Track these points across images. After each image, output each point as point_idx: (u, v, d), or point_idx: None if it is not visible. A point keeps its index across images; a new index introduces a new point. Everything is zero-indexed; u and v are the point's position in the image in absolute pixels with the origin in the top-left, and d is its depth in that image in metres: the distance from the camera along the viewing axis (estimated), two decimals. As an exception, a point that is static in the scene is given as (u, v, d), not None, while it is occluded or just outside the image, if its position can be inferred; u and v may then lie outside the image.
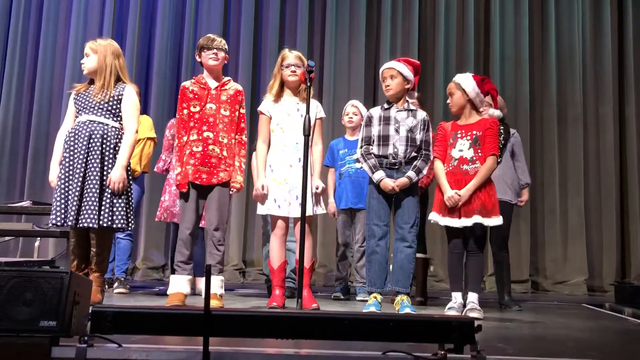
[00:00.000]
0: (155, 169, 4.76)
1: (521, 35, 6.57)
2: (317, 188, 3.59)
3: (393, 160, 3.48)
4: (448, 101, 3.63)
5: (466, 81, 3.55)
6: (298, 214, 3.37)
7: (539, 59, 6.62)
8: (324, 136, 4.02)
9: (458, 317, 2.56)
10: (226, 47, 3.67)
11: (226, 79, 3.68)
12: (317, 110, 3.68)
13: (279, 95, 3.66)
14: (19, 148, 6.83)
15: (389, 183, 3.44)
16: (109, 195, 3.33)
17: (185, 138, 3.55)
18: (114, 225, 3.34)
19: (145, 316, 1.93)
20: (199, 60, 3.66)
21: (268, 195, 3.56)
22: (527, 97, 6.48)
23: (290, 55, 3.64)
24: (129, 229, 3.49)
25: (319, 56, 6.59)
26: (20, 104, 6.88)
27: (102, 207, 3.30)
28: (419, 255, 4.44)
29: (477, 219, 3.41)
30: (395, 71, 3.54)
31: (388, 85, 3.54)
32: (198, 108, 3.56)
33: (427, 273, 4.55)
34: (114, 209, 3.33)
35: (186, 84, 3.65)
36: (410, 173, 3.46)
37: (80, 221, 3.26)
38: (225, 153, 3.54)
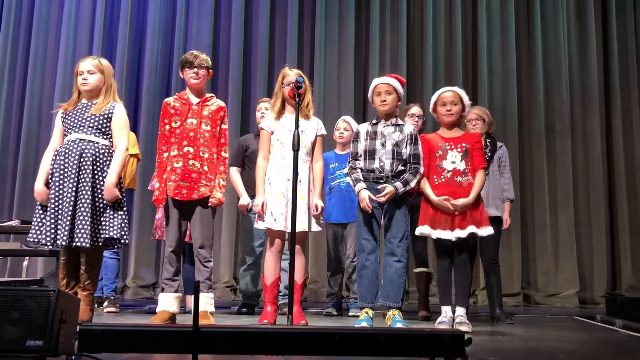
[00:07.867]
0: (149, 187, 4.71)
1: (508, 50, 6.62)
2: (315, 208, 3.60)
3: (379, 174, 3.49)
4: (448, 108, 3.54)
5: (465, 96, 3.61)
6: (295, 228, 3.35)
7: (527, 73, 6.68)
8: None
9: (449, 330, 2.55)
10: (209, 63, 3.69)
11: (209, 95, 3.70)
12: (318, 127, 3.71)
13: (280, 113, 3.69)
14: (7, 166, 6.77)
15: (364, 196, 3.41)
16: (102, 213, 3.30)
17: (165, 154, 3.55)
18: (119, 241, 3.32)
19: (134, 334, 1.92)
20: (182, 77, 3.69)
21: (266, 210, 3.56)
22: (515, 110, 6.53)
23: (291, 74, 3.68)
24: (123, 243, 3.43)
25: (309, 72, 6.60)
26: (10, 123, 6.84)
27: (96, 226, 3.28)
28: (421, 269, 4.44)
29: (471, 229, 3.39)
30: (392, 87, 3.57)
31: (384, 101, 3.55)
32: (179, 123, 3.58)
33: (430, 288, 4.47)
34: (109, 227, 3.30)
35: (168, 100, 3.69)
36: (397, 184, 3.44)
37: (74, 242, 3.21)
38: (206, 168, 3.55)
